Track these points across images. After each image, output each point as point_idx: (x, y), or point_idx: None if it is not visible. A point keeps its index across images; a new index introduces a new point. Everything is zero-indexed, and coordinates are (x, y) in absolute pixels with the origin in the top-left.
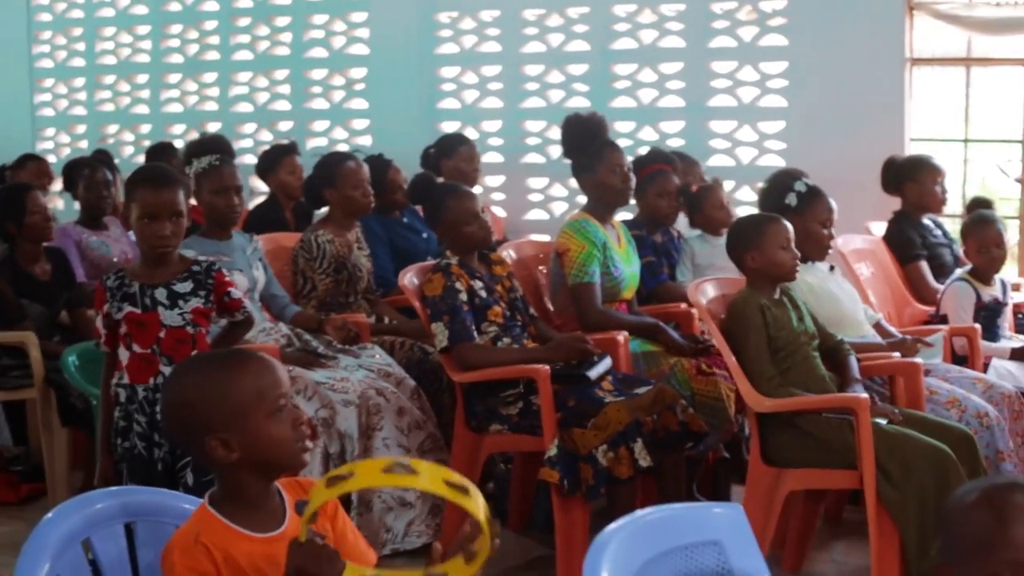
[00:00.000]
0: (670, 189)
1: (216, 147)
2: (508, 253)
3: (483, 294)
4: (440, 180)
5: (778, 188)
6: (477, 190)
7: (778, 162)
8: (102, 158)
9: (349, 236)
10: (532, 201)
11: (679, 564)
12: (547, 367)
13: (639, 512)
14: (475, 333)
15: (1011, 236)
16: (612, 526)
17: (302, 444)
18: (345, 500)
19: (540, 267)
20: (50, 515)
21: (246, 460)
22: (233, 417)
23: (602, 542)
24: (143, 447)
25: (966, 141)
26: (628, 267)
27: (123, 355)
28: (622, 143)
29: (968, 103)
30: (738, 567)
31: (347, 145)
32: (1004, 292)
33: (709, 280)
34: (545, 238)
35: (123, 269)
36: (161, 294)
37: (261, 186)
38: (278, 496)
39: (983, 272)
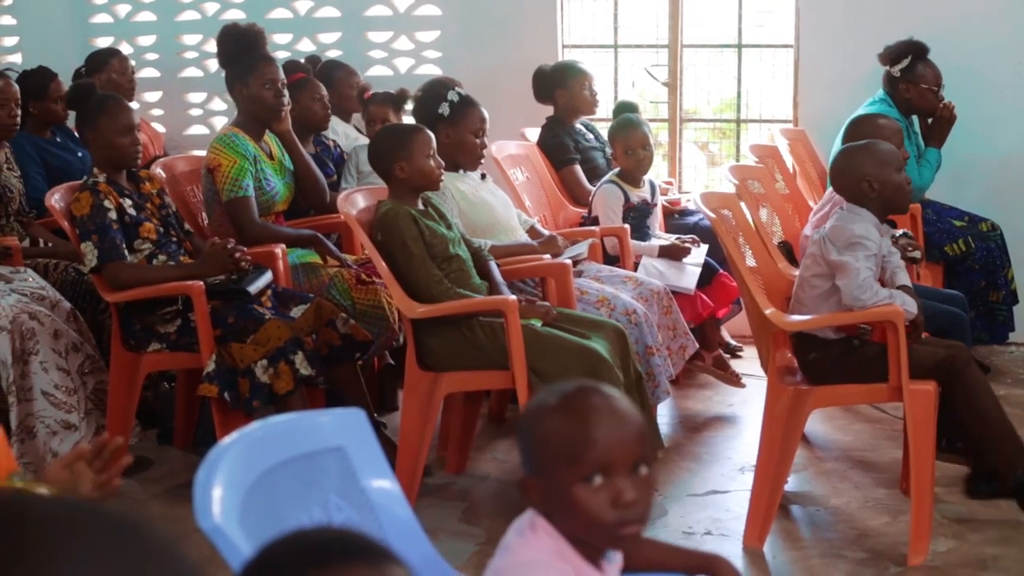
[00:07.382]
0: (319, 95)
1: None
2: (159, 170)
3: (133, 212)
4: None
5: (431, 98)
6: (134, 105)
7: (435, 71)
8: None
9: None
10: (192, 116)
11: (302, 472)
12: (201, 283)
13: (255, 424)
14: (126, 252)
15: (662, 138)
16: (227, 439)
17: None
18: (4, 425)
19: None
20: None
21: None
22: None
23: (216, 455)
24: None
25: (616, 47)
26: (281, 180)
27: None
28: (280, 55)
29: (617, 9)
30: (361, 469)
31: None
32: (653, 193)
33: (360, 190)
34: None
35: None
36: None
37: None
38: None
39: (631, 174)
